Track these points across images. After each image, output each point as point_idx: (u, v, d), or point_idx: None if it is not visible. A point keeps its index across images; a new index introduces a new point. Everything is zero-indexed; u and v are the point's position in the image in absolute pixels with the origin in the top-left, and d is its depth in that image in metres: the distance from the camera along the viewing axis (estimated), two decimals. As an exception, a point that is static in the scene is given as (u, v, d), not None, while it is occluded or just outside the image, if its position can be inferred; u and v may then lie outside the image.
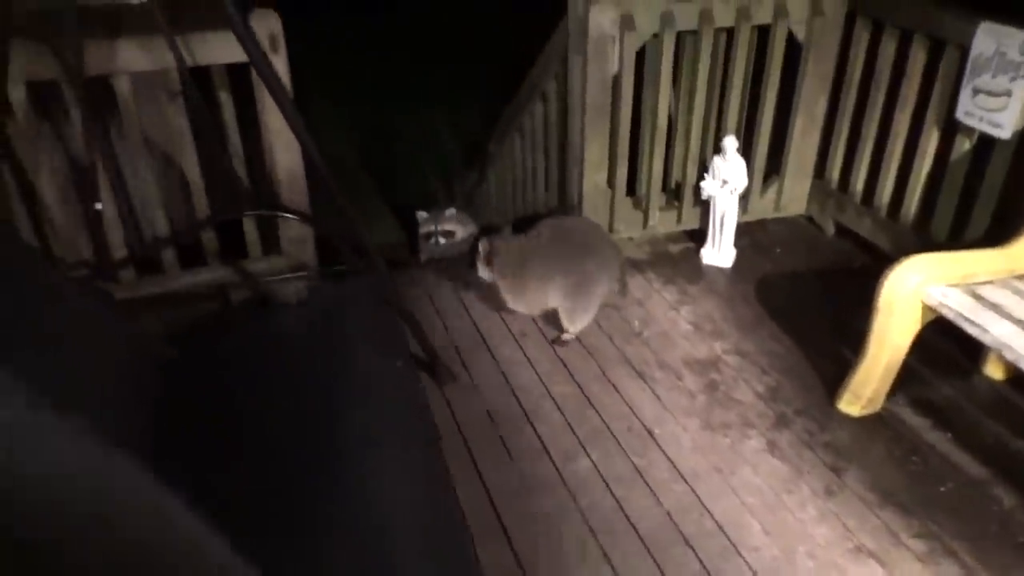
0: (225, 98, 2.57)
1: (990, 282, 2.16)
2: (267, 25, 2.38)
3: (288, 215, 2.54)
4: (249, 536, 1.02)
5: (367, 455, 1.57)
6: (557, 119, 3.16)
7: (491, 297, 2.77)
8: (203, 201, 2.62)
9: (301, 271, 2.69)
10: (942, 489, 2.08)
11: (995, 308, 2.04)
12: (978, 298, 2.08)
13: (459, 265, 3.15)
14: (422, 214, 3.30)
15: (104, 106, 2.44)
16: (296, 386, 1.97)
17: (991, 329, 1.96)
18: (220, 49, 2.37)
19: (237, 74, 2.46)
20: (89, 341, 1.75)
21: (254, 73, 2.25)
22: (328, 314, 2.30)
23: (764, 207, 3.36)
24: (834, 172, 3.21)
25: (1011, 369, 2.38)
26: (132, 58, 2.33)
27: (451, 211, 3.32)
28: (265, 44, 2.30)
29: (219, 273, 2.66)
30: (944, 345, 2.47)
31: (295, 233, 2.71)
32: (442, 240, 3.27)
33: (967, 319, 2.01)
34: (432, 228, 3.27)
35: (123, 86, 2.38)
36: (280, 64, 2.42)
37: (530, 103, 3.42)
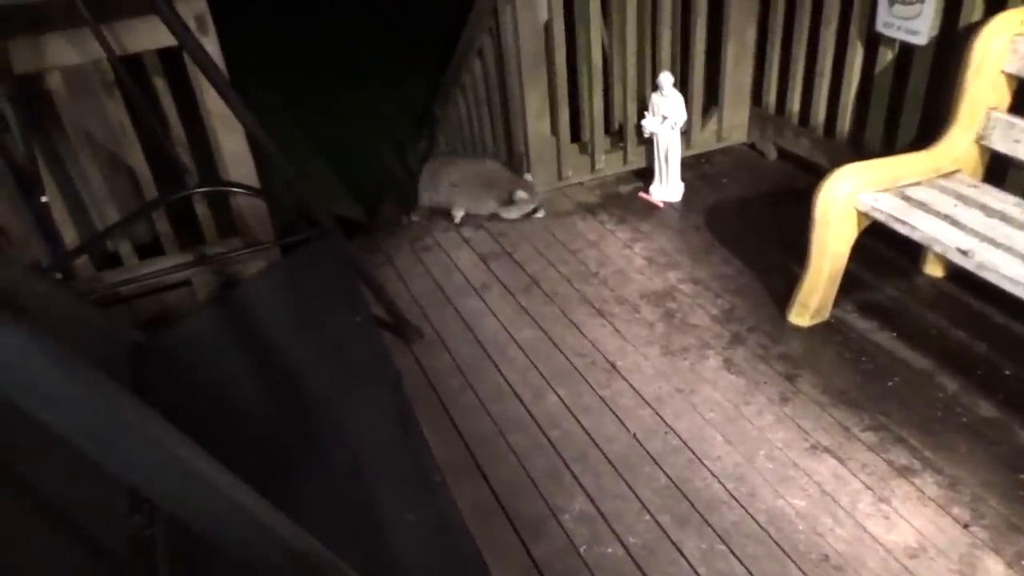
0: (161, 84, 2.57)
1: (918, 183, 2.26)
2: (193, 6, 2.38)
3: (236, 188, 2.56)
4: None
5: (334, 404, 1.65)
6: (495, 72, 3.20)
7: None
8: (151, 190, 2.64)
9: (259, 247, 2.71)
10: (890, 384, 2.19)
11: (922, 207, 2.14)
12: (907, 199, 2.18)
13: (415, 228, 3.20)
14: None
15: (40, 101, 2.44)
16: (263, 353, 2.03)
17: (920, 226, 2.06)
18: (148, 35, 2.36)
19: (175, 61, 2.46)
20: (55, 329, 1.79)
21: (188, 57, 2.25)
22: (288, 284, 2.35)
23: (707, 139, 3.43)
24: (770, 97, 3.28)
25: (948, 265, 2.49)
26: (60, 53, 2.32)
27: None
28: (192, 25, 2.31)
29: (178, 260, 2.68)
30: (885, 250, 2.59)
31: (248, 210, 2.73)
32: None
33: (897, 219, 2.11)
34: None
35: (54, 81, 2.37)
36: (211, 45, 2.42)
37: (468, 61, 3.45)
